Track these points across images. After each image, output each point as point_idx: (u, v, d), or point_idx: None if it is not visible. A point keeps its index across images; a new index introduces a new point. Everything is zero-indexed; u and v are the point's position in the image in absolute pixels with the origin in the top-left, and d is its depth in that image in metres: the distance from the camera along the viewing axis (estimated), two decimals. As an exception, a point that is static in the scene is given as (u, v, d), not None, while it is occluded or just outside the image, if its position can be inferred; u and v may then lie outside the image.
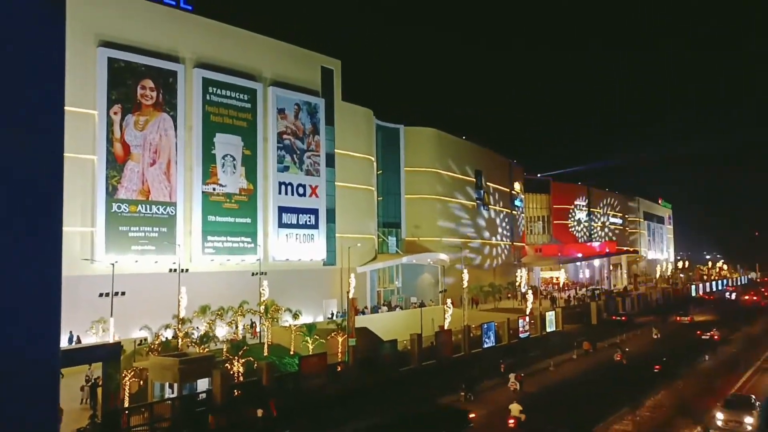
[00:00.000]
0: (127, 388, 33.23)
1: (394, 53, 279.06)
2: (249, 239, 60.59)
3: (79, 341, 44.64)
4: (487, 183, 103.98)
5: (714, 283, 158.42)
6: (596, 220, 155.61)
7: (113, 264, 46.27)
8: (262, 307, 49.05)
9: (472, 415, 32.01)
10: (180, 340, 42.43)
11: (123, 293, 48.17)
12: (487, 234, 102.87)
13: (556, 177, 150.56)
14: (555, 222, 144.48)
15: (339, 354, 44.85)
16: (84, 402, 34.59)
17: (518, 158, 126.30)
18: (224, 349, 41.24)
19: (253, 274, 58.40)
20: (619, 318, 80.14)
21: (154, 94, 54.42)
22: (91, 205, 50.27)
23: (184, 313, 44.84)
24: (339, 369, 42.38)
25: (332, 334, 46.50)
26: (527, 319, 63.86)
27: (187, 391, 33.87)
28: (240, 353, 38.94)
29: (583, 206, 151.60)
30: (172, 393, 33.64)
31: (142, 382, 35.16)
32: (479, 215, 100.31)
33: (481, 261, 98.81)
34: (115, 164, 51.63)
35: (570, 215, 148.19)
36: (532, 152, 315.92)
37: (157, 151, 54.29)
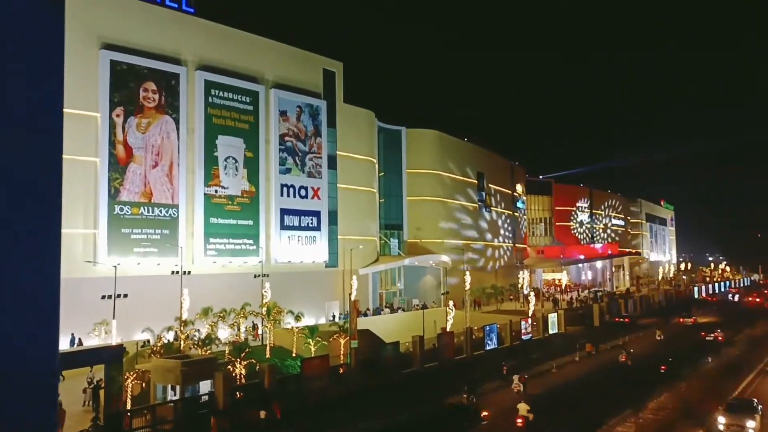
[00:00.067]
0: (129, 390, 33.23)
1: (395, 55, 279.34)
2: (251, 241, 60.60)
3: (80, 343, 44.68)
4: (489, 185, 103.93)
5: (717, 284, 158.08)
6: (598, 222, 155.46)
7: (115, 266, 46.30)
8: (265, 309, 49.04)
9: (485, 413, 32.60)
10: (182, 343, 42.42)
11: (125, 295, 48.17)
12: (489, 236, 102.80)
13: (558, 179, 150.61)
14: (557, 224, 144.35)
15: (341, 356, 44.81)
16: (86, 404, 34.58)
17: (520, 160, 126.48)
18: (226, 351, 41.23)
19: (255, 276, 58.42)
20: (622, 320, 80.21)
21: (157, 96, 54.49)
22: (94, 207, 50.32)
23: (186, 315, 44.83)
24: (341, 371, 42.33)
25: (334, 336, 46.48)
26: (529, 321, 63.73)
27: (190, 393, 33.84)
28: (242, 355, 38.93)
29: (585, 208, 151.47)
30: (175, 395, 33.61)
31: (144, 385, 35.16)
32: (481, 217, 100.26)
33: (483, 263, 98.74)
34: (118, 166, 51.68)
35: (572, 217, 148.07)
36: (533, 154, 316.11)
37: (159, 154, 54.34)
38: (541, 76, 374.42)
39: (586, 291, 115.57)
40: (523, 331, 61.56)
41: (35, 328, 2.53)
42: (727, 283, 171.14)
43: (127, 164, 52.21)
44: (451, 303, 60.10)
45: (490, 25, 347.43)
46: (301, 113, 66.99)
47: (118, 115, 51.93)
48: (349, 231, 71.12)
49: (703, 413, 34.12)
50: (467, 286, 66.13)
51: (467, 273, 67.78)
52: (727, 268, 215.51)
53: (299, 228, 65.42)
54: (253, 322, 52.14)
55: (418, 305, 74.62)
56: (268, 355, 45.00)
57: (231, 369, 37.77)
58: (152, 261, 52.78)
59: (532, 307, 68.35)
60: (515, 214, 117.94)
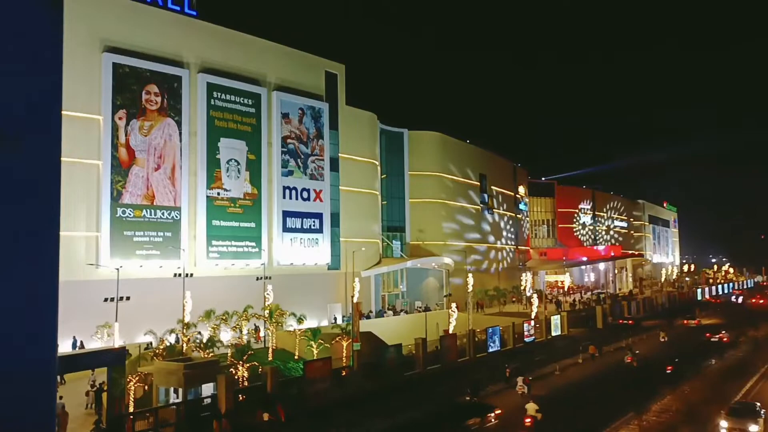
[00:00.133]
0: (131, 393, 33.21)
1: (397, 57, 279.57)
2: (253, 244, 60.61)
3: (82, 346, 44.70)
4: (492, 187, 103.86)
5: (720, 286, 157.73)
6: (601, 224, 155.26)
7: (118, 269, 46.32)
8: (267, 311, 49.01)
9: (498, 411, 33.32)
10: (185, 345, 42.42)
11: (128, 298, 48.20)
12: (491, 238, 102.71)
13: (561, 180, 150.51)
14: (560, 226, 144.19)
15: (344, 358, 44.75)
16: (89, 407, 34.60)
17: (522, 162, 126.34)
18: (229, 354, 41.22)
19: (257, 279, 58.40)
20: (626, 322, 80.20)
21: (159, 99, 54.56)
22: (96, 210, 50.37)
23: (188, 317, 44.82)
24: (344, 374, 42.28)
25: (337, 339, 46.44)
26: (532, 323, 63.67)
27: (192, 396, 33.85)
28: (245, 358, 38.92)
29: (587, 210, 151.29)
30: (177, 398, 33.62)
31: (147, 387, 35.14)
32: (484, 219, 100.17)
33: (485, 265, 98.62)
34: (120, 169, 51.75)
35: (575, 219, 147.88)
36: (536, 156, 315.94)
37: (161, 156, 54.40)
38: (543, 78, 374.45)
39: (589, 293, 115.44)
40: (525, 333, 61.49)
41: (33, 329, 2.50)
42: (731, 284, 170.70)
43: (129, 167, 52.27)
44: (453, 305, 60.00)
45: (491, 26, 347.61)
46: (303, 115, 67.03)
47: (120, 118, 52.01)
48: (352, 233, 71.10)
49: (707, 416, 33.95)
50: (470, 288, 66.05)
51: (470, 275, 67.72)
52: (731, 270, 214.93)
53: (301, 230, 65.43)
54: (254, 324, 52.11)
55: (420, 307, 74.59)
56: (270, 358, 44.96)
57: (233, 372, 37.75)
58: (154, 263, 52.80)
59: (534, 309, 68.27)
60: (518, 216, 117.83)
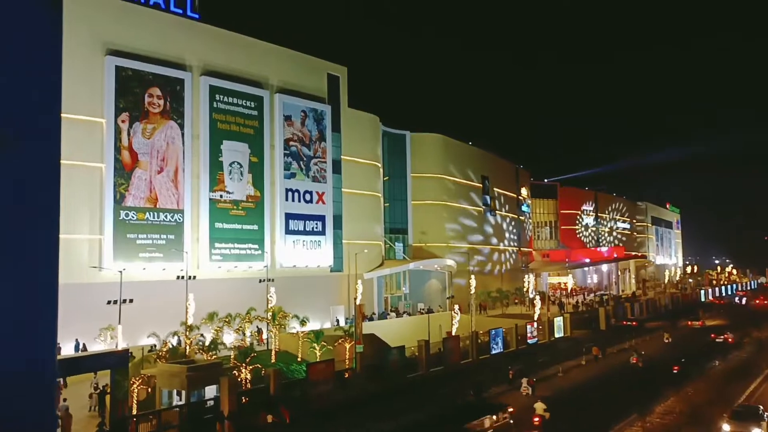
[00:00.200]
0: (135, 395, 33.24)
1: (400, 59, 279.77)
2: (256, 246, 60.65)
3: (84, 349, 44.74)
4: (494, 188, 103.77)
5: (723, 287, 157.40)
6: (604, 225, 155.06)
7: (121, 271, 46.40)
8: (270, 313, 49.04)
9: (510, 410, 33.60)
10: (188, 347, 42.46)
11: (131, 300, 48.27)
12: (494, 240, 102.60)
13: (563, 182, 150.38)
14: (562, 227, 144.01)
15: (346, 360, 44.78)
16: (92, 409, 34.62)
17: (525, 163, 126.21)
18: (232, 356, 41.24)
19: (260, 281, 58.44)
20: (629, 323, 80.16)
21: (162, 102, 54.67)
22: (99, 213, 50.48)
23: (191, 320, 44.89)
24: (346, 376, 42.27)
25: (340, 341, 46.45)
26: (535, 324, 63.60)
27: (195, 398, 33.87)
28: (247, 360, 38.93)
29: (590, 211, 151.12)
30: (180, 400, 33.65)
31: (150, 390, 35.17)
32: (486, 221, 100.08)
33: (488, 267, 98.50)
34: (123, 172, 51.85)
35: (577, 220, 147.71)
36: (538, 157, 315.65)
37: (164, 159, 54.49)
38: (544, 78, 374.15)
39: (592, 294, 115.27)
40: (528, 334, 61.42)
41: (33, 330, 2.51)
42: (734, 286, 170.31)
43: (132, 170, 52.36)
44: (456, 307, 60.02)
45: (493, 27, 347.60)
46: (305, 118, 67.11)
47: (123, 121, 52.12)
48: (354, 235, 71.12)
49: (710, 418, 33.84)
50: (472, 290, 66.02)
51: (472, 277, 67.69)
52: (734, 271, 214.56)
53: (304, 232, 65.47)
54: (257, 326, 52.13)
55: (423, 309, 74.55)
56: (273, 360, 44.98)
57: (236, 374, 37.78)
58: (158, 266, 52.87)
59: (537, 311, 68.22)
60: (520, 217, 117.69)
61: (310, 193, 66.57)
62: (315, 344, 46.02)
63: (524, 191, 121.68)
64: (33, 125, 2.24)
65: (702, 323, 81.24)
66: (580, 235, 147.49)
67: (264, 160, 62.13)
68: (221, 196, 58.37)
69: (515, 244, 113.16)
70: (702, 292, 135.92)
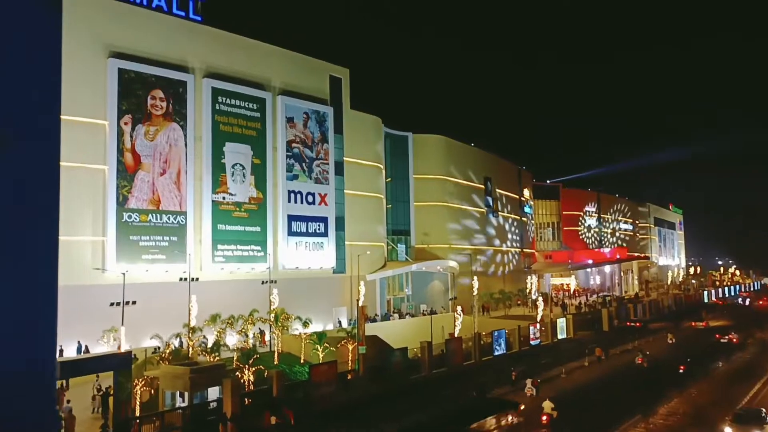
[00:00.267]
0: (138, 397, 33.27)
1: (402, 61, 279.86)
2: (259, 248, 60.69)
3: (87, 350, 44.82)
4: (496, 189, 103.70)
5: (726, 288, 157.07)
6: (606, 226, 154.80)
7: (124, 273, 46.44)
8: (272, 315, 49.04)
9: (522, 407, 35.01)
10: (190, 349, 42.48)
11: (134, 302, 48.33)
12: (497, 241, 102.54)
13: (566, 183, 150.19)
14: (565, 228, 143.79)
15: (349, 362, 44.75)
16: (95, 411, 34.66)
17: (527, 164, 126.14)
18: (234, 358, 41.24)
19: (263, 283, 58.44)
20: (633, 324, 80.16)
21: (164, 104, 54.76)
22: (102, 215, 50.56)
23: (194, 321, 44.90)
24: (349, 377, 42.26)
25: (342, 342, 46.41)
26: (538, 326, 63.52)
27: (198, 399, 33.90)
28: (250, 362, 38.93)
29: (593, 212, 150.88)
30: (183, 402, 33.68)
31: (153, 391, 35.20)
32: (489, 222, 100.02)
33: (490, 268, 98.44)
34: (126, 174, 51.93)
35: (580, 221, 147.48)
36: (541, 158, 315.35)
37: (167, 161, 54.57)
38: (545, 78, 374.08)
39: (595, 296, 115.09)
40: (531, 336, 61.33)
41: (33, 330, 2.52)
42: (737, 287, 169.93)
43: (135, 172, 52.44)
44: (459, 308, 59.96)
45: (495, 28, 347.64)
46: (308, 120, 67.15)
47: (126, 123, 52.21)
48: (357, 237, 71.11)
49: (714, 419, 33.72)
50: (475, 292, 65.97)
51: (475, 278, 67.64)
52: (737, 272, 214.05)
53: (307, 234, 65.50)
54: (259, 328, 52.12)
55: (426, 311, 74.50)
56: (276, 362, 44.98)
57: (239, 375, 37.78)
58: (160, 268, 52.94)
59: (540, 312, 68.10)
60: (523, 218, 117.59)
61: (313, 194, 66.60)
62: (318, 346, 46.00)
63: (527, 192, 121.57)
64: (33, 125, 2.26)
65: (706, 324, 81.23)
66: (583, 236, 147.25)
67: (266, 162, 62.17)
68: (224, 198, 58.43)
69: (518, 245, 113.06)
70: (705, 293, 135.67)
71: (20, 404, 2.37)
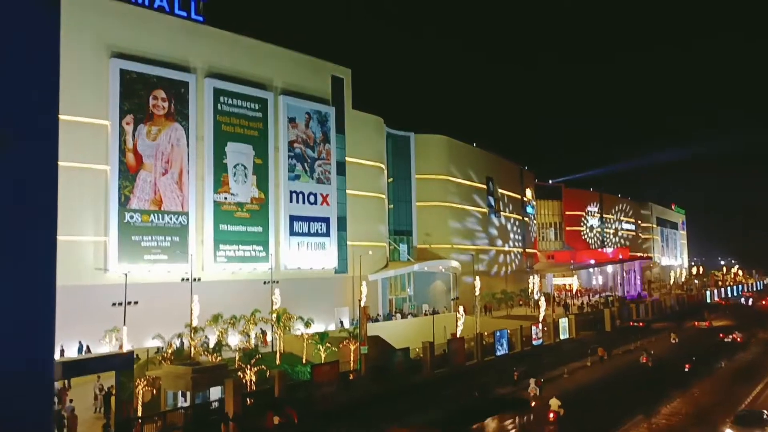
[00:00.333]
0: (140, 397, 33.28)
1: (403, 61, 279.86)
2: (261, 248, 60.71)
3: (88, 351, 44.87)
4: (499, 189, 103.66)
5: (729, 288, 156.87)
6: (609, 227, 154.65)
7: (126, 273, 46.49)
8: (274, 315, 49.05)
9: (533, 404, 35.96)
10: (192, 349, 42.51)
11: (136, 302, 48.34)
12: (499, 241, 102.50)
13: (568, 183, 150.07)
14: (567, 228, 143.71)
15: (351, 362, 44.74)
16: (98, 411, 34.70)
17: (529, 164, 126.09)
18: (236, 358, 41.26)
19: (264, 283, 58.43)
20: (636, 324, 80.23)
21: (166, 104, 54.80)
22: (104, 215, 50.61)
23: (196, 321, 44.92)
24: (351, 377, 42.25)
25: (344, 342, 46.42)
26: (540, 326, 63.42)
27: (200, 399, 33.90)
28: (252, 362, 38.93)
29: (595, 212, 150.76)
30: (185, 402, 33.68)
31: (155, 391, 35.19)
32: (491, 222, 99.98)
33: (493, 268, 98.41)
34: (128, 174, 51.97)
35: (582, 222, 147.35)
36: (543, 158, 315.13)
37: (169, 161, 54.61)
38: (549, 80, 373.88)
39: (597, 296, 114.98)
40: (533, 336, 61.27)
41: (30, 330, 2.51)
42: (740, 287, 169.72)
43: (137, 172, 52.49)
44: (461, 308, 59.90)
45: (495, 29, 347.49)
46: (309, 120, 67.17)
47: (128, 123, 52.26)
48: (359, 237, 71.11)
49: (716, 420, 33.61)
50: (477, 292, 65.91)
51: (477, 278, 67.59)
52: (740, 272, 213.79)
53: (308, 234, 65.51)
54: (260, 328, 52.10)
55: (428, 311, 74.47)
56: (278, 362, 44.99)
57: (241, 375, 37.78)
58: (162, 268, 52.98)
59: (542, 313, 68.02)
60: (525, 218, 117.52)
61: (315, 194, 66.62)
62: (319, 346, 46.01)
63: (529, 192, 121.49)
64: (32, 125, 2.26)
65: (709, 324, 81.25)
66: (585, 236, 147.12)
67: (268, 162, 62.20)
68: (226, 198, 58.46)
69: (520, 245, 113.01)
70: (707, 293, 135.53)
71: (17, 405, 2.36)
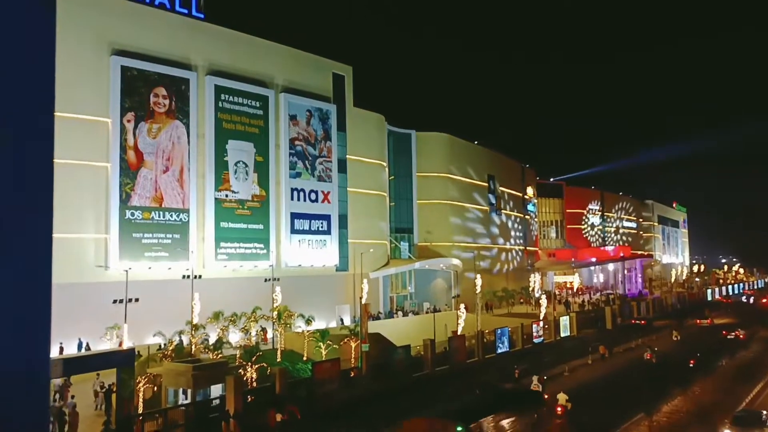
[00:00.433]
0: (141, 394, 33.28)
1: (405, 59, 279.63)
2: (261, 245, 60.68)
3: (88, 348, 44.87)
4: (500, 187, 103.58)
5: (730, 286, 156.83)
6: (610, 225, 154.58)
7: (127, 271, 46.48)
8: (275, 313, 49.05)
9: (546, 396, 36.90)
10: (193, 346, 42.51)
11: (136, 300, 48.31)
12: (500, 239, 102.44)
13: (569, 181, 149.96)
14: (568, 226, 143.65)
15: (352, 360, 44.73)
16: (99, 408, 34.70)
17: (531, 162, 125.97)
18: (237, 355, 41.25)
19: (265, 280, 58.44)
20: (638, 322, 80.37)
21: (167, 101, 54.75)
22: (105, 212, 50.58)
23: (197, 319, 44.92)
24: (352, 375, 42.22)
25: (345, 340, 46.42)
26: (541, 324, 63.43)
27: (201, 397, 33.88)
28: (253, 359, 38.93)
29: (596, 210, 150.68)
30: (186, 399, 33.66)
31: (156, 388, 35.19)
32: (492, 220, 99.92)
33: (494, 266, 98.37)
34: (129, 172, 51.93)
35: (583, 220, 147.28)
36: (544, 156, 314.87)
37: (169, 159, 54.57)
38: (550, 79, 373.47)
39: (598, 294, 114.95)
40: (534, 334, 61.28)
41: (26, 330, 2.47)
42: (741, 285, 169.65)
43: (137, 169, 52.46)
44: (462, 306, 59.88)
45: (495, 29, 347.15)
46: (310, 117, 67.11)
47: (129, 121, 52.22)
48: (360, 235, 71.08)
49: (717, 418, 33.54)
50: (478, 289, 65.88)
51: (478, 276, 67.56)
52: (741, 270, 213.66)
53: (310, 232, 65.47)
54: (261, 326, 52.09)
55: (429, 308, 74.47)
56: (278, 359, 44.99)
57: (242, 373, 37.76)
58: (163, 265, 52.95)
59: (543, 310, 67.99)
60: (526, 216, 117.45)
61: (316, 192, 66.58)
62: (320, 343, 46.02)
63: (530, 190, 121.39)
64: (27, 124, 2.21)
65: (711, 322, 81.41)
66: (586, 234, 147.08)
67: (269, 160, 62.14)
68: (227, 196, 58.43)
69: (521, 243, 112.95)
70: (709, 291, 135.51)
71: (13, 404, 2.32)
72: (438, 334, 51.58)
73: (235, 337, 47.35)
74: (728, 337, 64.90)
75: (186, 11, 57.63)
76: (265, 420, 32.70)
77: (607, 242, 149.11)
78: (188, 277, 51.03)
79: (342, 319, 65.15)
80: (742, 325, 74.17)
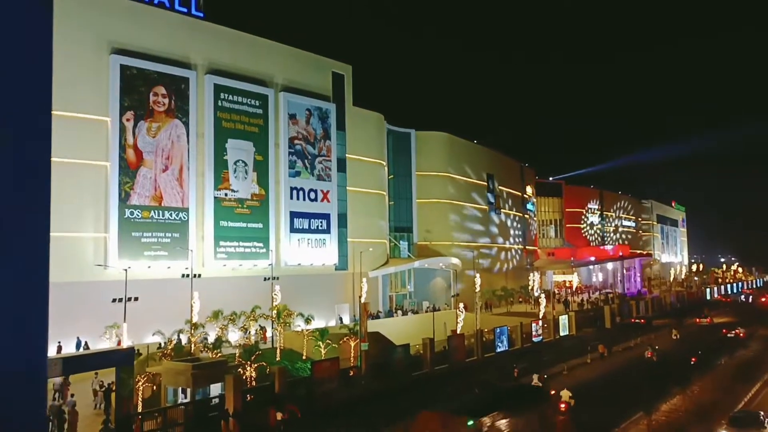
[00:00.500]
0: (140, 393, 33.27)
1: (404, 58, 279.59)
2: (261, 244, 60.69)
3: (86, 347, 44.85)
4: (499, 187, 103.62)
5: (729, 285, 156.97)
6: (609, 224, 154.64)
7: (126, 269, 46.48)
8: (275, 311, 49.04)
9: (552, 392, 36.97)
10: (193, 345, 42.51)
11: (136, 299, 48.35)
12: (499, 238, 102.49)
13: (568, 180, 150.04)
14: (567, 225, 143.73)
15: (351, 359, 44.72)
16: (98, 407, 34.70)
17: (530, 161, 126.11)
18: (237, 354, 41.24)
19: (265, 279, 58.47)
20: (637, 321, 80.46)
21: (167, 100, 54.73)
22: (104, 211, 50.58)
23: (196, 318, 44.92)
24: (351, 374, 42.21)
25: (344, 339, 46.39)
26: (540, 323, 63.43)
27: (200, 396, 33.86)
28: (252, 358, 38.92)
29: (595, 209, 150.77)
30: (185, 398, 33.64)
31: (155, 387, 35.17)
32: (491, 219, 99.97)
33: (493, 265, 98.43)
34: (128, 170, 51.93)
35: (582, 219, 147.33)
36: (544, 155, 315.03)
37: (169, 157, 54.56)
38: (551, 78, 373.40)
39: (597, 293, 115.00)
40: (533, 333, 61.28)
41: (23, 330, 2.48)
42: (740, 284, 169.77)
43: (137, 168, 52.45)
44: (461, 305, 59.88)
45: (495, 30, 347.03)
46: (310, 116, 67.10)
47: (128, 120, 52.20)
48: (359, 234, 71.11)
49: (716, 417, 33.56)
50: (477, 288, 65.90)
51: (477, 275, 67.58)
52: (740, 269, 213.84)
53: (309, 231, 65.49)
54: (260, 325, 52.10)
55: (428, 308, 74.49)
56: (278, 358, 44.98)
57: (241, 372, 37.74)
58: (163, 264, 52.95)
59: (542, 309, 68.00)
60: (525, 215, 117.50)
61: (315, 191, 66.59)
62: (320, 342, 46.00)
63: (529, 189, 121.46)
64: (24, 123, 2.22)
65: (710, 320, 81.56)
66: (586, 233, 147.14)
67: (269, 159, 62.15)
68: (226, 195, 58.44)
69: (520, 242, 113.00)
70: (707, 290, 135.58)
71: (11, 403, 2.33)
72: (437, 333, 51.56)
73: (234, 336, 47.34)
74: (728, 335, 65.05)
75: (185, 10, 57.61)
76: (264, 419, 32.71)
77: (606, 241, 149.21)
78: (187, 276, 51.06)
79: (341, 318, 65.19)
80: (742, 323, 74.30)
